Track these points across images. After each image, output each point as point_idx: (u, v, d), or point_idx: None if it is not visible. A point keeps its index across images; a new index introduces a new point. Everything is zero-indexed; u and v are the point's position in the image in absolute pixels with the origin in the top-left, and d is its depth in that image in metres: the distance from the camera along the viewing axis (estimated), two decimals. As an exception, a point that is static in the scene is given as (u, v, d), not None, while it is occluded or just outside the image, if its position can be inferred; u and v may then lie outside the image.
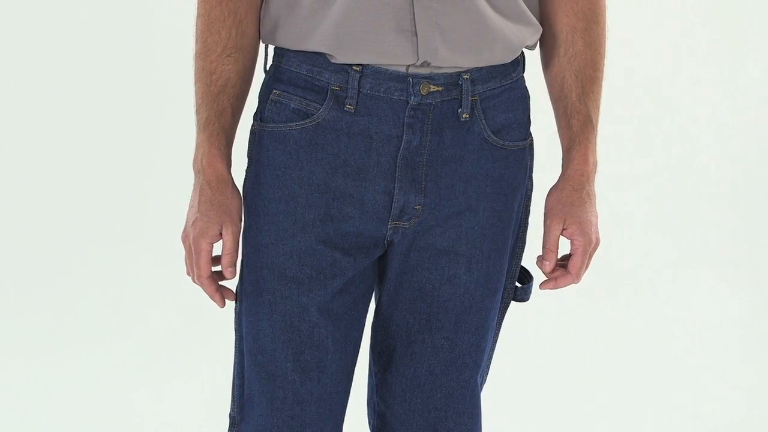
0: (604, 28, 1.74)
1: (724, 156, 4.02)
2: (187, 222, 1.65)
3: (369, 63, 1.58)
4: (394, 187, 1.62)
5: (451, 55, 1.60)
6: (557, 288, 1.73)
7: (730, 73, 4.10)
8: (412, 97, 1.59)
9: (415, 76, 1.59)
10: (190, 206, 1.65)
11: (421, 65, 1.59)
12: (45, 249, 3.80)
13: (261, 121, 1.66)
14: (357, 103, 1.59)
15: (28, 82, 3.88)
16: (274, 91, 1.65)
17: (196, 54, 1.65)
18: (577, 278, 1.71)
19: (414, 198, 1.63)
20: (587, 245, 1.70)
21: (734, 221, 3.97)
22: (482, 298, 1.71)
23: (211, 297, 1.66)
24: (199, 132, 1.64)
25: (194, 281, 1.67)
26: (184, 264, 1.68)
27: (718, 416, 3.25)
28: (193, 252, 1.63)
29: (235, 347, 1.71)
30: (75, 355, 3.48)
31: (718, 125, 4.04)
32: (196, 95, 1.65)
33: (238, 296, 1.69)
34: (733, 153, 4.02)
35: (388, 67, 1.59)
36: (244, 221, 1.67)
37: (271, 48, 1.71)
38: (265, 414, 1.66)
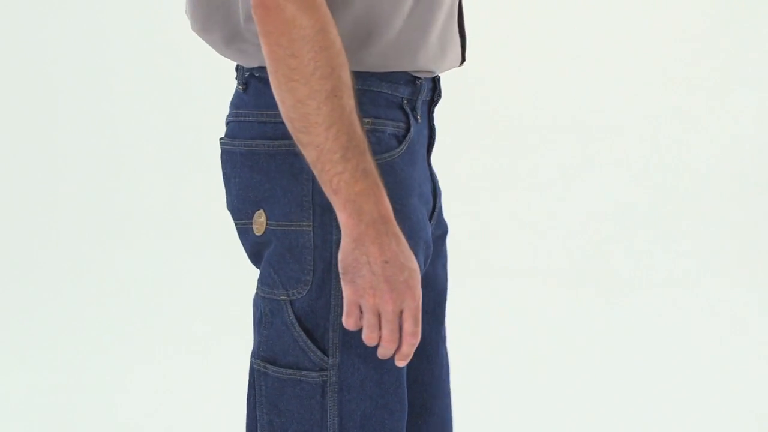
0: None
1: (739, 159, 4.06)
2: (390, 283, 1.41)
3: (443, 71, 1.57)
4: (435, 188, 1.60)
5: None
6: None
7: (748, 77, 4.12)
8: (440, 95, 1.59)
9: (437, 76, 1.58)
10: (389, 262, 1.40)
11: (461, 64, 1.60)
12: (43, 248, 3.82)
13: None
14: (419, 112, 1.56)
15: (27, 82, 3.92)
16: (365, 119, 1.44)
17: (332, 92, 1.36)
18: None
19: (436, 193, 1.62)
20: None
21: (750, 223, 3.99)
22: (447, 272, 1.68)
23: (409, 354, 1.45)
24: (360, 179, 1.38)
25: (410, 342, 1.44)
26: (379, 333, 1.43)
27: (731, 418, 3.22)
28: (416, 308, 1.42)
29: (336, 406, 1.48)
30: (70, 356, 3.48)
31: (739, 128, 4.06)
32: (339, 138, 1.38)
33: (334, 350, 1.47)
34: (749, 156, 4.05)
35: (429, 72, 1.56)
36: None
37: None
38: None
